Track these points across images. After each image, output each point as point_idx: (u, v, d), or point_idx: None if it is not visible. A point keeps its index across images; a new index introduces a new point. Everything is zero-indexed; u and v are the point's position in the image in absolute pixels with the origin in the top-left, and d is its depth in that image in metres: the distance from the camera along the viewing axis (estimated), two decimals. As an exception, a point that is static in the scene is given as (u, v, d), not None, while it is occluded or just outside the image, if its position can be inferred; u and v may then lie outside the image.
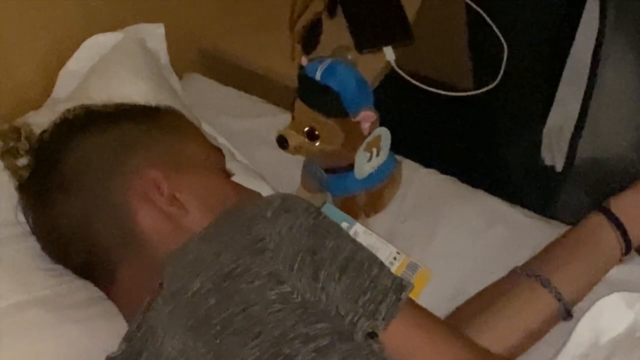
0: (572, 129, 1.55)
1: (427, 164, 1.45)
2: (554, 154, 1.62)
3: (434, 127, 2.00)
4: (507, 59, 1.50)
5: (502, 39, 1.51)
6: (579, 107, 1.52)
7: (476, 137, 1.89)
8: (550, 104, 1.60)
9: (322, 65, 1.21)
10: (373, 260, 1.02)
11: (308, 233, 0.98)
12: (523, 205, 1.41)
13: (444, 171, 1.45)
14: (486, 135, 1.78)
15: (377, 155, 1.29)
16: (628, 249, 1.23)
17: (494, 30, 1.54)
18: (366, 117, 1.23)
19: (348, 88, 1.21)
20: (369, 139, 1.26)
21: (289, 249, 0.96)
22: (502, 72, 1.49)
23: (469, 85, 1.64)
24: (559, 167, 1.60)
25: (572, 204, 1.48)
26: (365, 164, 1.28)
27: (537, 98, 1.62)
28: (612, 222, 1.22)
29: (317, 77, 1.21)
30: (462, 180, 1.43)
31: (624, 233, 1.22)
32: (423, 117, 2.00)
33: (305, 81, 1.22)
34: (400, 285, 1.00)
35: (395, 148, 1.36)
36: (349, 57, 1.50)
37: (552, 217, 1.38)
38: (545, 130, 1.63)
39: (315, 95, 1.22)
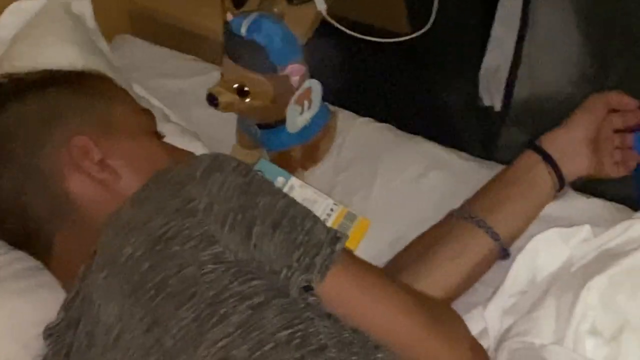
0: (508, 68, 1.55)
1: (364, 113, 1.45)
2: (492, 94, 1.63)
3: (369, 75, 1.99)
4: (439, 1, 1.50)
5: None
6: (514, 45, 1.53)
7: (413, 82, 1.89)
8: (486, 44, 1.61)
9: (247, 20, 1.21)
10: (306, 214, 1.02)
11: (239, 191, 0.98)
12: (464, 148, 1.42)
13: (381, 119, 1.44)
14: (423, 80, 1.78)
15: (309, 107, 1.29)
16: (561, 185, 1.25)
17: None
18: (294, 70, 1.23)
19: (274, 42, 1.21)
20: (299, 92, 1.26)
21: (220, 208, 0.96)
22: (434, 14, 1.48)
23: (405, 30, 1.63)
24: (498, 107, 1.61)
25: (513, 143, 1.49)
26: (297, 117, 1.29)
27: (473, 39, 1.62)
28: (544, 159, 1.24)
29: (242, 32, 1.20)
30: (401, 127, 1.43)
31: (557, 170, 1.24)
32: (357, 65, 2.00)
33: (231, 37, 1.22)
34: (334, 238, 1.00)
35: (331, 99, 1.36)
36: (275, 10, 1.49)
37: (493, 158, 1.39)
38: (481, 71, 1.63)
39: (242, 51, 1.22)
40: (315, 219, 1.02)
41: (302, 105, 1.28)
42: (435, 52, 1.66)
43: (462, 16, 1.60)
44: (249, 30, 1.20)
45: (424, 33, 1.50)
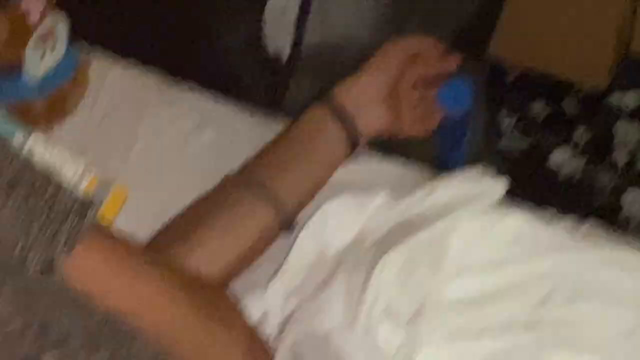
0: (296, 10, 1.54)
1: (126, 56, 1.40)
2: (277, 42, 1.62)
3: (132, 12, 1.91)
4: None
5: None
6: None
7: (190, 25, 1.83)
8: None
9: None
10: (46, 179, 0.96)
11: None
12: (247, 102, 1.38)
13: (147, 63, 1.40)
14: (202, 23, 1.74)
15: (53, 50, 1.26)
16: (355, 143, 1.23)
17: None
18: (32, 4, 1.19)
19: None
20: (39, 31, 1.23)
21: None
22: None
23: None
24: (285, 57, 1.60)
25: (302, 97, 1.48)
26: (38, 62, 1.26)
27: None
28: (336, 113, 1.21)
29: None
30: (173, 75, 1.39)
31: (350, 125, 1.22)
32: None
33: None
34: (83, 204, 0.95)
35: (83, 39, 1.34)
36: None
37: (280, 112, 1.37)
38: (266, 13, 1.60)
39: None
40: (59, 185, 0.96)
41: (44, 47, 1.25)
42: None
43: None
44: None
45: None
